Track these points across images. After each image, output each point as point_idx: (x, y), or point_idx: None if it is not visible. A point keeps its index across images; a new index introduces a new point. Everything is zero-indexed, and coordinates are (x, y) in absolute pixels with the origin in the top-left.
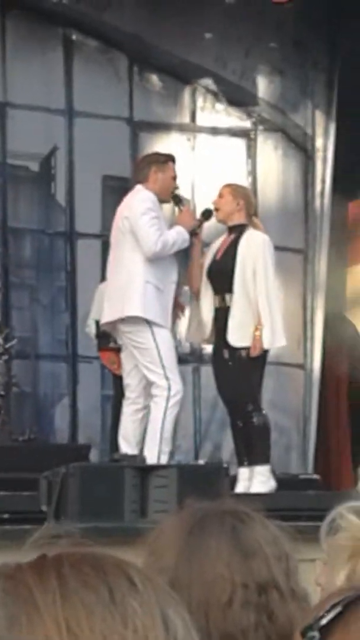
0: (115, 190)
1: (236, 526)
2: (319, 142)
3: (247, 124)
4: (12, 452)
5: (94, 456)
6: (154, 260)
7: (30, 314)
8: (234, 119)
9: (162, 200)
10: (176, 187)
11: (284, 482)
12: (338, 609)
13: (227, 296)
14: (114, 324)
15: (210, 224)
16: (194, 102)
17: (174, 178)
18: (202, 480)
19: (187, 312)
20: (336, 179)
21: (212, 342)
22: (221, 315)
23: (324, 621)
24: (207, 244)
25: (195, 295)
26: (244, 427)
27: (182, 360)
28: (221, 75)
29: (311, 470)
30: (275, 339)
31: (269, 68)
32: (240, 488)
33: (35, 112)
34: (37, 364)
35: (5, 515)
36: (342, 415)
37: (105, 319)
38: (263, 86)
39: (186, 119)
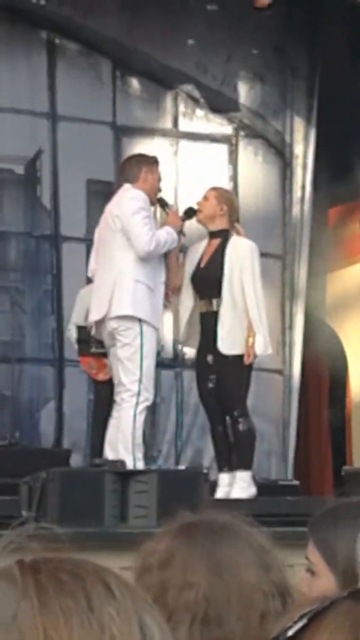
0: (100, 194)
1: (249, 536)
2: (298, 149)
3: (228, 130)
4: None
5: (79, 460)
6: (145, 259)
7: (13, 317)
8: (215, 125)
9: (150, 202)
10: (159, 190)
11: (264, 488)
12: (304, 621)
13: (215, 301)
14: (102, 321)
15: (190, 225)
16: (176, 107)
17: (160, 180)
18: (182, 486)
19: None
20: (317, 185)
21: (193, 346)
22: (207, 321)
23: (290, 632)
24: (185, 247)
25: (174, 293)
26: (231, 432)
27: (164, 365)
28: (202, 81)
29: (291, 476)
30: (267, 346)
31: (249, 74)
32: (220, 494)
33: (20, 115)
34: (23, 367)
35: None
36: (322, 421)
37: (94, 317)
38: (244, 92)
39: (169, 125)
